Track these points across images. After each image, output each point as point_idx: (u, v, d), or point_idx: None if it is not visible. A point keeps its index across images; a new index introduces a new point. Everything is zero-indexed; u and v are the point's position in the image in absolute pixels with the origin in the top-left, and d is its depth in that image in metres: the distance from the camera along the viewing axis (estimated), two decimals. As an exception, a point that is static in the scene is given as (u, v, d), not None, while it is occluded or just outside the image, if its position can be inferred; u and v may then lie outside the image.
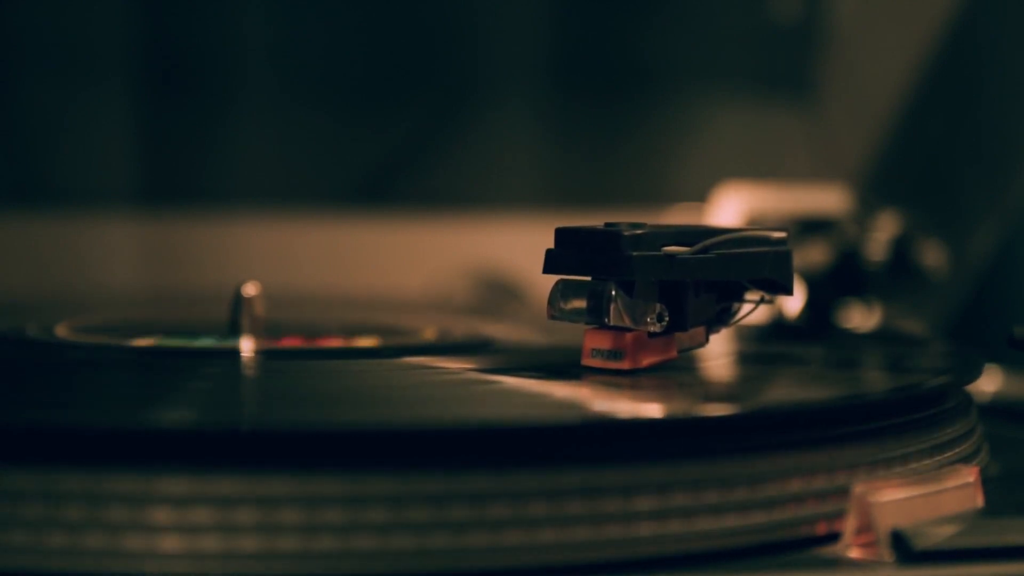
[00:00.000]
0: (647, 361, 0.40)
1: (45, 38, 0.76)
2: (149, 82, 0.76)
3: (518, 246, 0.70)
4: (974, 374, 0.43)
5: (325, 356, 0.46)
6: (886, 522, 0.34)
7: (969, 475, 0.36)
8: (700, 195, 0.70)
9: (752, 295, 0.42)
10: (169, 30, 0.78)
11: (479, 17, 0.80)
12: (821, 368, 0.47)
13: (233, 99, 0.78)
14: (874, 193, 0.69)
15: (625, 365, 0.39)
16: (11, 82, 0.76)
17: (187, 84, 0.77)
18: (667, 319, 0.40)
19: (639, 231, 0.39)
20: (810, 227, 0.62)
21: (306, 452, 0.31)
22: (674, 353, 0.41)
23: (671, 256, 0.39)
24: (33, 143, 0.77)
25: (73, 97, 0.76)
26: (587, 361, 0.40)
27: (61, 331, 0.50)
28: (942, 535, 0.33)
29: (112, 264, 0.76)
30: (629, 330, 0.39)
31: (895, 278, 0.61)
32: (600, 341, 0.40)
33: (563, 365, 0.41)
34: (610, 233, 0.39)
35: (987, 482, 0.38)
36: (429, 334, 0.51)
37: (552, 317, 0.40)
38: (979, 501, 0.36)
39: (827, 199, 0.64)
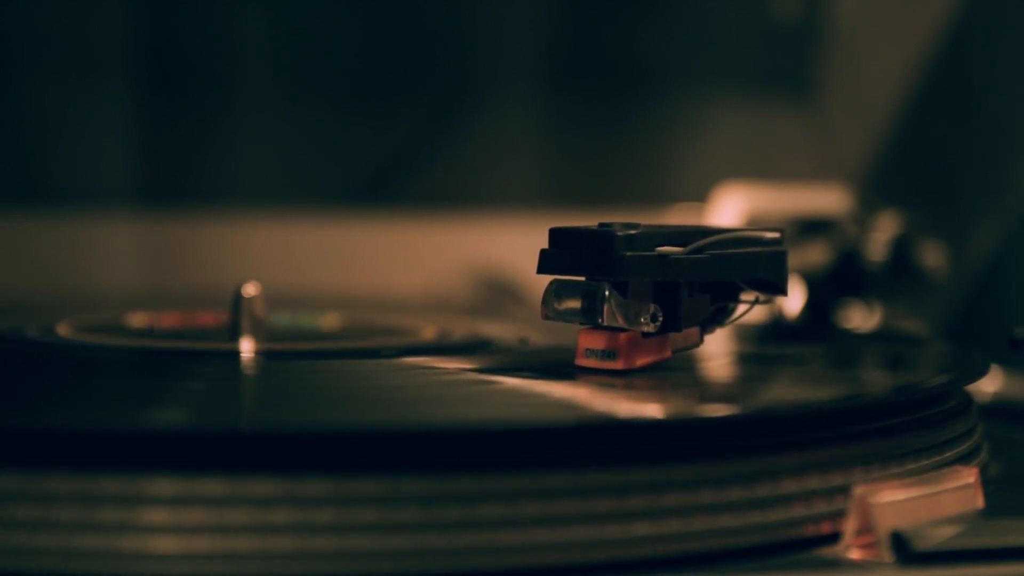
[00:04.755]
0: (641, 361, 0.40)
1: (45, 38, 0.76)
2: (149, 82, 0.76)
3: (518, 246, 0.69)
4: (979, 374, 0.43)
5: (324, 357, 0.46)
6: (886, 523, 0.33)
7: (969, 476, 0.36)
8: (700, 195, 0.70)
9: (747, 295, 0.42)
10: (169, 30, 0.77)
11: (479, 17, 0.80)
12: (821, 368, 0.47)
13: (233, 99, 0.78)
14: (874, 193, 0.69)
15: (619, 365, 0.39)
16: (11, 82, 0.76)
17: (187, 84, 0.77)
18: (661, 319, 0.40)
19: (632, 231, 0.39)
20: (810, 227, 0.62)
21: (302, 453, 0.31)
22: (668, 353, 0.41)
23: (664, 256, 0.39)
24: (33, 143, 0.77)
25: (73, 97, 0.76)
26: (581, 361, 0.40)
27: (60, 331, 0.50)
28: (942, 536, 0.33)
29: (112, 264, 0.76)
30: (623, 330, 0.39)
31: (895, 278, 0.61)
32: (594, 341, 0.39)
33: (560, 366, 0.41)
34: (603, 233, 0.39)
35: (987, 483, 0.37)
36: (428, 334, 0.51)
37: (546, 317, 0.40)
38: (979, 502, 0.36)
39: (827, 199, 0.64)
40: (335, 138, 0.79)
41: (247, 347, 0.46)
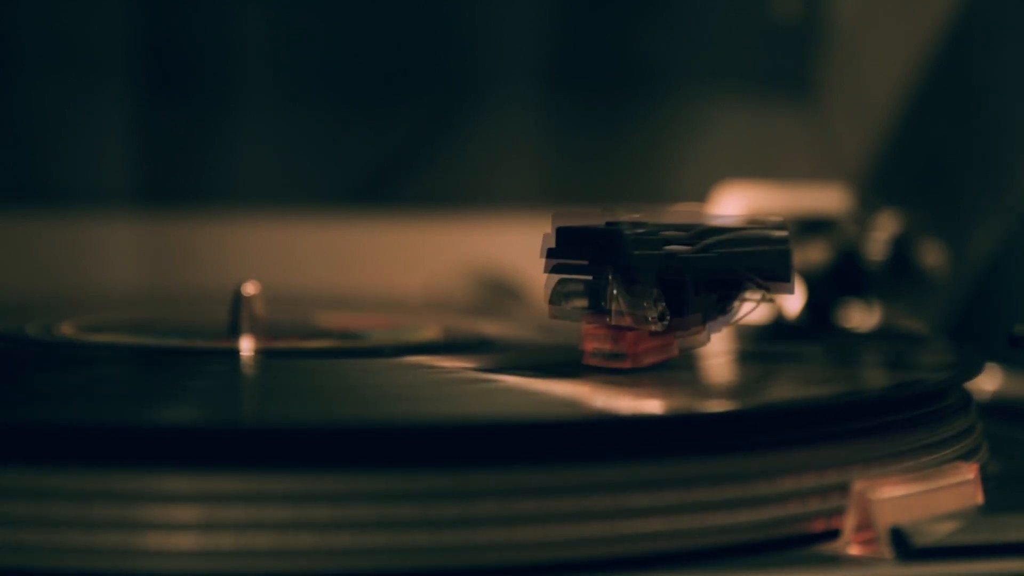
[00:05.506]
0: (647, 359, 0.40)
1: (45, 38, 0.76)
2: (149, 82, 0.76)
3: (518, 246, 0.70)
4: (974, 371, 0.43)
5: (325, 356, 0.46)
6: (886, 519, 0.34)
7: (969, 472, 0.36)
8: (700, 195, 0.70)
9: (753, 293, 0.42)
10: (169, 30, 0.78)
11: (479, 17, 0.80)
12: (821, 366, 0.47)
13: (233, 99, 0.78)
14: (874, 193, 0.69)
15: (626, 364, 0.39)
16: (11, 82, 0.76)
17: (187, 84, 0.77)
18: (667, 317, 0.40)
19: (640, 229, 0.39)
20: (810, 227, 0.62)
21: (304, 450, 0.31)
22: (675, 351, 0.41)
23: (672, 254, 0.39)
24: (33, 143, 0.77)
25: (73, 97, 0.76)
26: (588, 360, 0.40)
27: (61, 330, 0.50)
28: (942, 532, 0.33)
29: (112, 264, 0.76)
30: (630, 328, 0.39)
31: (895, 278, 0.61)
32: (600, 340, 0.39)
33: (562, 364, 0.41)
34: (611, 231, 0.39)
35: (987, 480, 0.38)
36: (429, 333, 0.51)
37: (553, 316, 0.40)
38: (979, 498, 0.36)
39: (827, 199, 0.64)
40: (335, 138, 0.79)
41: (247, 346, 0.46)
